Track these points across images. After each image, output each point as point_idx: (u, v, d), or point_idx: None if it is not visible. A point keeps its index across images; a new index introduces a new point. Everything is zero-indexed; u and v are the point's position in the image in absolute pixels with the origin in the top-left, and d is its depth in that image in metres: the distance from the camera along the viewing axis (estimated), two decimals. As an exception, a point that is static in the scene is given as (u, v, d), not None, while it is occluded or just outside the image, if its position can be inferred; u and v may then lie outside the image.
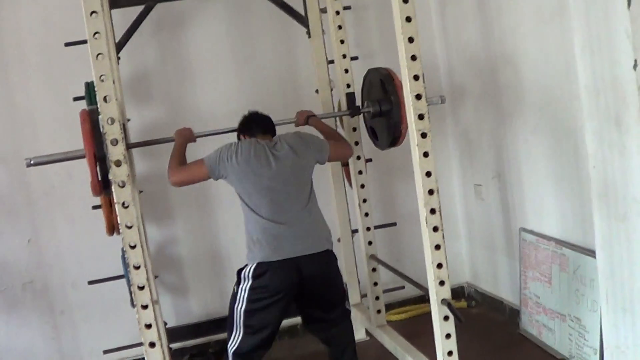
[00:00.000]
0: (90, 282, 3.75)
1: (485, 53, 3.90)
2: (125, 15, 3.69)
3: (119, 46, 3.62)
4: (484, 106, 4.03)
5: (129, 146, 3.06)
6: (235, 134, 3.26)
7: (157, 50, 4.08)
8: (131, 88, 3.98)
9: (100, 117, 2.61)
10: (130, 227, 2.64)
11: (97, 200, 3.23)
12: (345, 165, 3.85)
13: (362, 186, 3.80)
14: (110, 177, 2.62)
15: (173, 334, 3.90)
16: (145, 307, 2.68)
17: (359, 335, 3.89)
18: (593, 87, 1.97)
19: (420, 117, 2.62)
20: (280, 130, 3.23)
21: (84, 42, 2.64)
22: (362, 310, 4.03)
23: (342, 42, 3.74)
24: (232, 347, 2.99)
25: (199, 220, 4.20)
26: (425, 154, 2.64)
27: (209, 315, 4.17)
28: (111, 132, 2.59)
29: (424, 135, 2.63)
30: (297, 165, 3.01)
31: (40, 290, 4.00)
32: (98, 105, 2.59)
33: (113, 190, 2.62)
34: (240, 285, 2.95)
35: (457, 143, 4.44)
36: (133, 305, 2.73)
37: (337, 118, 3.85)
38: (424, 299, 4.24)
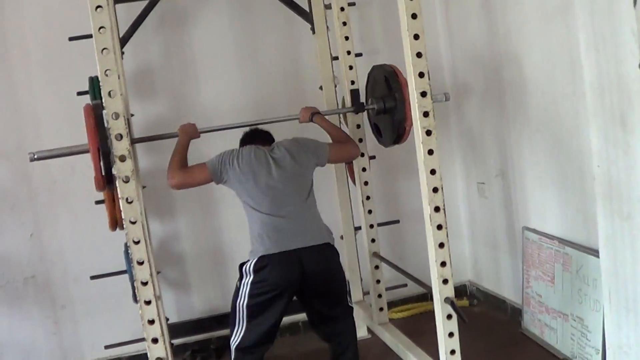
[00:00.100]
0: (93, 277, 3.75)
1: (489, 51, 3.89)
2: (129, 10, 3.71)
3: (123, 41, 3.63)
4: (487, 104, 4.02)
5: (134, 141, 3.06)
6: (237, 133, 3.29)
7: (160, 46, 4.07)
8: (135, 83, 3.98)
9: (104, 111, 2.61)
10: (134, 223, 2.63)
11: (100, 195, 3.23)
12: (349, 162, 3.85)
13: (366, 183, 3.79)
14: (115, 172, 2.62)
15: (175, 329, 3.92)
16: (148, 302, 2.67)
17: (361, 332, 3.89)
18: (598, 85, 1.97)
19: (425, 114, 2.62)
20: (283, 125, 3.23)
21: (89, 36, 2.64)
22: (365, 307, 4.03)
23: (346, 38, 3.73)
24: (234, 342, 3.00)
25: (201, 217, 4.20)
26: (430, 152, 2.63)
27: (211, 311, 4.18)
28: (116, 127, 2.58)
29: (428, 132, 2.62)
30: (295, 168, 3.06)
31: (42, 285, 4.00)
32: (103, 100, 2.59)
33: (117, 185, 2.62)
34: (242, 280, 2.98)
35: (460, 141, 4.43)
36: (136, 300, 2.73)
37: (341, 115, 3.86)
38: (427, 297, 4.29)
